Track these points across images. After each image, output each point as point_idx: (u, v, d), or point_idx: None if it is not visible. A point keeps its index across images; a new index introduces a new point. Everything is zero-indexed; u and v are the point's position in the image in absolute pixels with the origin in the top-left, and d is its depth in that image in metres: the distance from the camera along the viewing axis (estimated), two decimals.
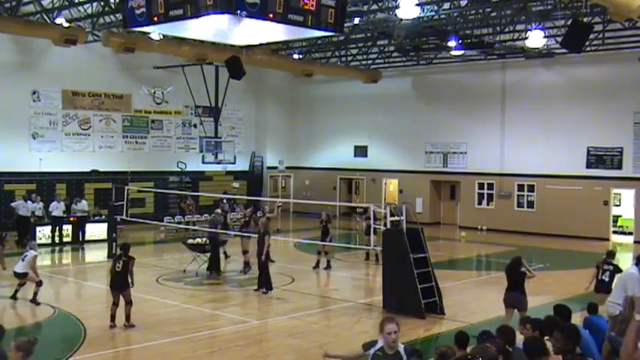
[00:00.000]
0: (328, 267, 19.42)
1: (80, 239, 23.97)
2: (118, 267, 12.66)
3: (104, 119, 30.19)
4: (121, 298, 12.59)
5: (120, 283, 12.65)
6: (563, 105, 27.94)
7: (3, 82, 26.77)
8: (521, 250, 24.59)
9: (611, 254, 13.21)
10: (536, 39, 22.12)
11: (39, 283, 14.46)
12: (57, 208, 23.75)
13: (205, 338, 12.15)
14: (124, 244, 13.38)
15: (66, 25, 22.71)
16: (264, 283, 16.00)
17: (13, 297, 14.58)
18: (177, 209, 29.31)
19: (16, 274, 14.46)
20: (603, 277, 12.65)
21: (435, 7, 21.71)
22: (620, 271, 12.22)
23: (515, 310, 11.66)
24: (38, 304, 14.32)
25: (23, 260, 14.45)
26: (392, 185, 33.89)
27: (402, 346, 6.67)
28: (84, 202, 25.06)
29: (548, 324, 7.19)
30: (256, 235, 16.54)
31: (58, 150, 28.64)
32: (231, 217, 23.86)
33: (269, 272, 16.10)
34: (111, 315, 12.56)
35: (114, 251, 19.76)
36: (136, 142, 31.35)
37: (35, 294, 14.38)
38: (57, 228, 23.75)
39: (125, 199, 21.53)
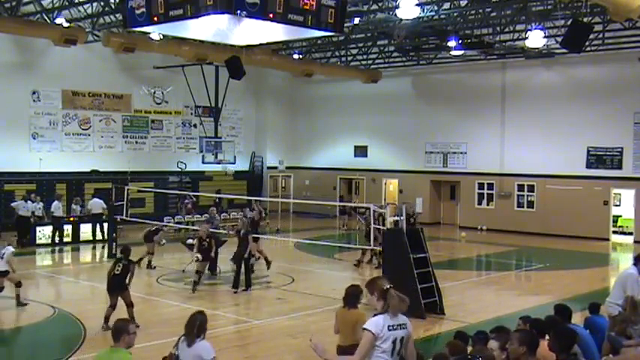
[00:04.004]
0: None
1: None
2: (118, 270, 12.46)
3: (104, 119, 30.19)
4: (121, 300, 12.40)
5: (118, 285, 12.47)
6: (563, 105, 27.93)
7: (3, 82, 26.76)
8: (521, 250, 24.71)
9: None
10: (536, 39, 22.11)
11: (19, 284, 13.89)
12: (58, 208, 23.72)
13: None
14: (125, 247, 13.07)
15: (66, 25, 22.70)
16: (246, 281, 16.28)
17: None
18: (181, 209, 29.24)
19: None
20: None
21: (435, 7, 21.70)
22: None
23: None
24: (25, 304, 13.89)
25: (2, 258, 13.73)
26: (392, 185, 33.88)
27: None
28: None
29: (549, 324, 7.20)
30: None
31: (58, 150, 28.63)
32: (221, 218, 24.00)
33: (253, 270, 16.86)
34: (105, 316, 12.31)
35: (114, 251, 19.78)
36: (136, 142, 31.35)
37: (18, 296, 13.87)
38: (57, 228, 23.72)
39: (125, 199, 21.54)
